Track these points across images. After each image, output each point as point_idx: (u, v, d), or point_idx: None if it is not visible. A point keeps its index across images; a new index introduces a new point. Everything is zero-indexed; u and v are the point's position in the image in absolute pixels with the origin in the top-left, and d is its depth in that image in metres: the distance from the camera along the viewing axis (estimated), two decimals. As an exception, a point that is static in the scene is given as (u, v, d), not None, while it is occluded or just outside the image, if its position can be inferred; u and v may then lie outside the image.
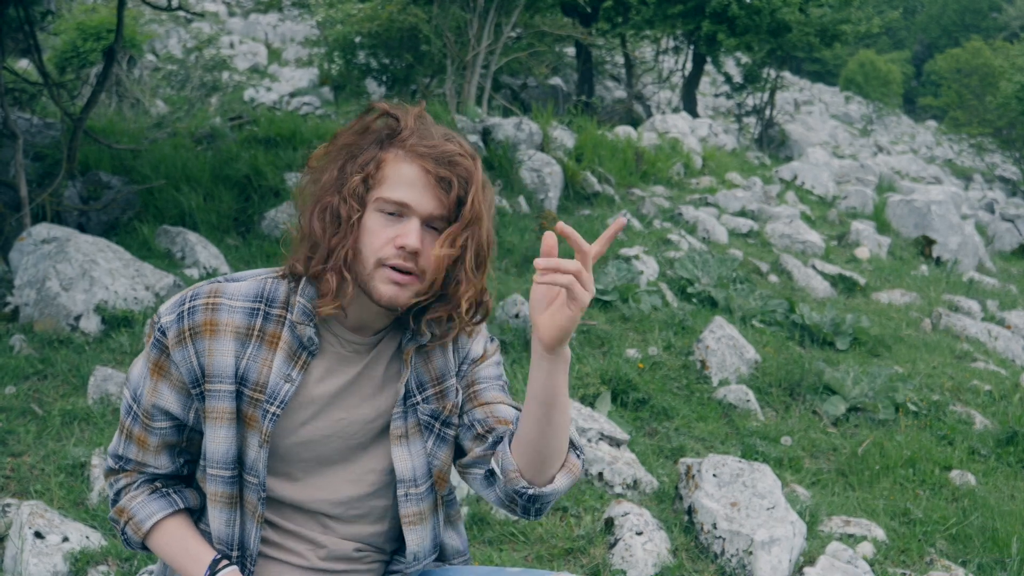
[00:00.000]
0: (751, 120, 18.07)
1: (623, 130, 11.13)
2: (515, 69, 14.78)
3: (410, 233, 1.31)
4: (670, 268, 6.27)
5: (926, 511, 3.42)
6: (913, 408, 4.50)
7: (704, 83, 23.65)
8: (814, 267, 7.34)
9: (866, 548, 3.01)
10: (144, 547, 1.47)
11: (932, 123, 38.36)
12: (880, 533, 3.15)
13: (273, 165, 6.79)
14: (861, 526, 3.16)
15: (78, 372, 3.85)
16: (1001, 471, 4.01)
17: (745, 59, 17.50)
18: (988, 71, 34.22)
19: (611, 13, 16.11)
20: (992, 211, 15.53)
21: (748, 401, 4.25)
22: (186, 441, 1.45)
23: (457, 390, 1.49)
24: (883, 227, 9.90)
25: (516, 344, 4.49)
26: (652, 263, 6.18)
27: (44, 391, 3.71)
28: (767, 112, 17.33)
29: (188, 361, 1.37)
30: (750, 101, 18.11)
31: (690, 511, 2.98)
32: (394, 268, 1.32)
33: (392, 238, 1.32)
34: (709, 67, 20.62)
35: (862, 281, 7.21)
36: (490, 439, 1.44)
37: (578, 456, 1.44)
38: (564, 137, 8.84)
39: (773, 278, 6.87)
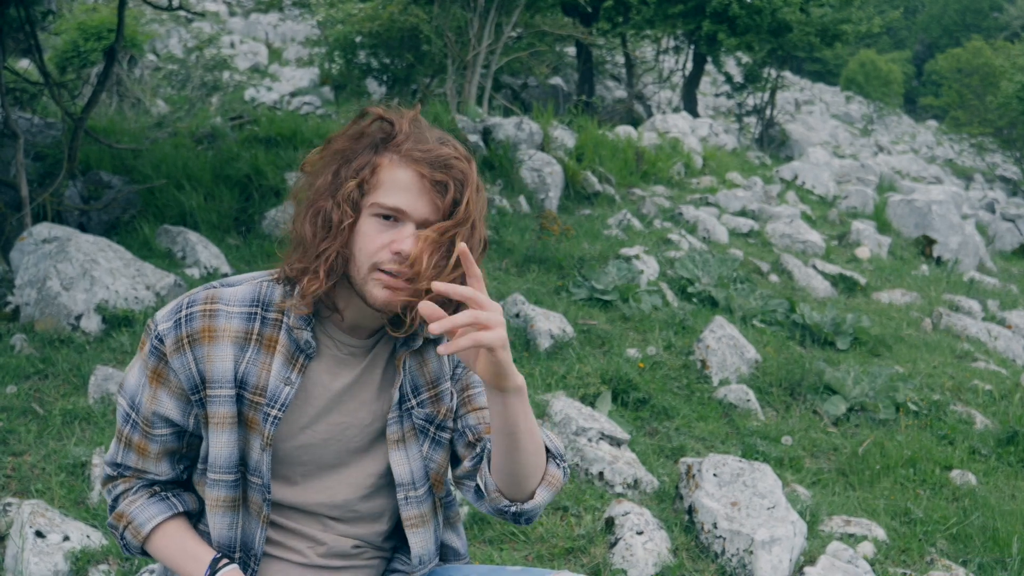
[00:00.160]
0: (752, 120, 18.07)
1: (624, 130, 11.13)
2: (516, 69, 14.78)
3: (405, 239, 1.31)
4: (670, 268, 6.27)
5: (927, 511, 3.42)
6: (914, 408, 4.50)
7: (705, 83, 23.65)
8: (815, 267, 7.34)
9: (867, 548, 3.01)
10: (143, 552, 1.46)
11: (933, 123, 38.35)
12: (881, 533, 3.15)
13: (274, 165, 6.80)
14: (862, 526, 3.16)
15: (79, 372, 3.85)
16: (1002, 471, 4.02)
17: (746, 59, 17.49)
18: (989, 71, 34.18)
19: (612, 13, 16.11)
20: (993, 211, 15.53)
21: (748, 401, 4.26)
22: (186, 447, 1.46)
23: (452, 394, 1.49)
24: (884, 227, 9.90)
25: (516, 344, 4.49)
26: (652, 263, 6.18)
27: (45, 391, 3.71)
28: (768, 112, 17.34)
29: (187, 368, 1.37)
30: (751, 101, 18.12)
31: (691, 511, 2.98)
32: (388, 273, 1.33)
33: (387, 243, 1.32)
34: (710, 67, 20.62)
35: (863, 281, 7.21)
36: (478, 449, 1.46)
37: (558, 465, 1.44)
38: (565, 137, 8.85)
39: (774, 278, 6.87)
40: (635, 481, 3.24)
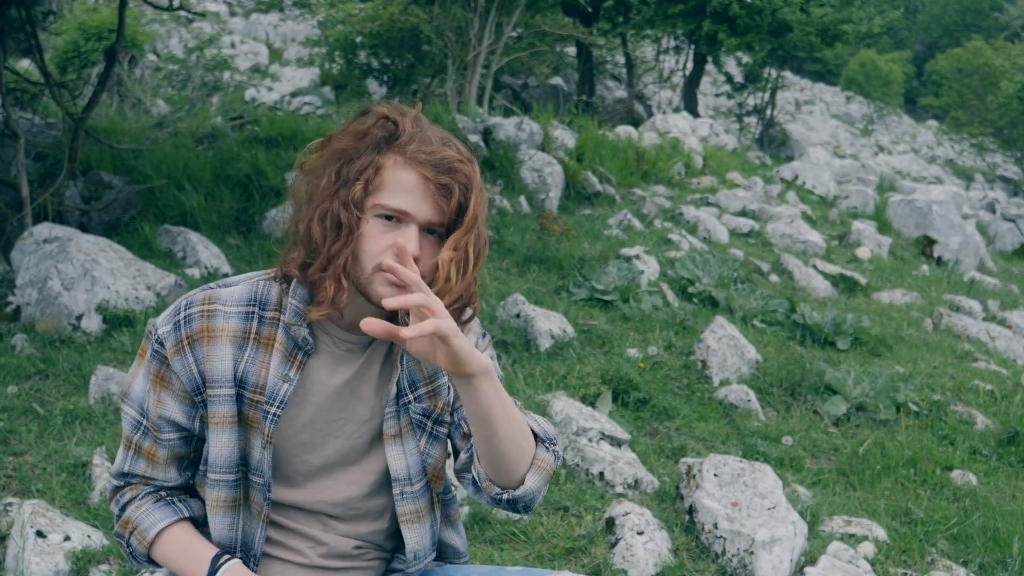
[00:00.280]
0: (752, 120, 18.07)
1: (624, 130, 11.13)
2: (516, 69, 14.78)
3: (409, 240, 1.31)
4: (671, 268, 6.27)
5: (927, 511, 3.42)
6: (914, 408, 4.50)
7: (705, 83, 23.64)
8: (815, 267, 7.34)
9: (867, 548, 3.01)
10: (150, 559, 1.45)
11: (933, 123, 38.34)
12: (881, 533, 3.15)
13: (274, 165, 6.80)
14: (862, 526, 3.16)
15: (79, 372, 3.85)
16: (1002, 471, 4.02)
17: (746, 59, 17.49)
18: (989, 71, 34.17)
19: (612, 13, 16.11)
20: (993, 211, 15.53)
21: (749, 401, 4.26)
22: (193, 452, 1.46)
23: (449, 388, 1.50)
24: (884, 227, 9.90)
25: (517, 344, 4.49)
26: (653, 263, 6.18)
27: (46, 390, 3.71)
28: (768, 112, 17.34)
29: (188, 369, 1.38)
30: (751, 101, 18.11)
31: (691, 511, 2.98)
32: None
33: (391, 244, 1.32)
34: (710, 67, 20.61)
35: (863, 281, 7.21)
36: (472, 441, 1.45)
37: (548, 449, 1.43)
38: (565, 137, 8.85)
39: (774, 278, 6.87)
40: (636, 481, 3.24)
